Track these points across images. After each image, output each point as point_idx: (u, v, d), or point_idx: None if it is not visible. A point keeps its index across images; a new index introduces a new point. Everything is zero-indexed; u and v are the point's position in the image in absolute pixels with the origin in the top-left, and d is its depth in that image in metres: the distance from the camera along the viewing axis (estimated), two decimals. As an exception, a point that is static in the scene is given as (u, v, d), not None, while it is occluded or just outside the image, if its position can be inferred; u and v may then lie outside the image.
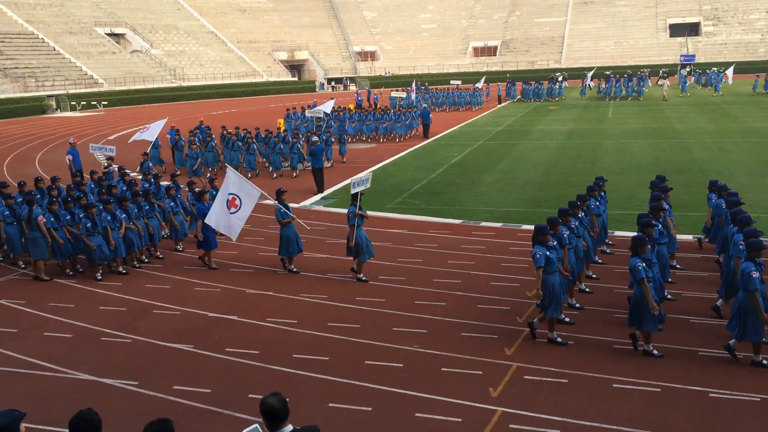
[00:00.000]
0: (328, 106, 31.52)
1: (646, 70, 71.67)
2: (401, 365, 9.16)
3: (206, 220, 13.38)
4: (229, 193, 13.25)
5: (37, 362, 9.65)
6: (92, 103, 60.69)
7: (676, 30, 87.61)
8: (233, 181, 13.33)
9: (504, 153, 28.04)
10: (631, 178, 21.17)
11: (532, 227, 16.22)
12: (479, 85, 54.97)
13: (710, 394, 8.11)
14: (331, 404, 8.18)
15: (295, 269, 13.49)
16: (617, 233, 15.25)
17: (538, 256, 9.50)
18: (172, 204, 15.17)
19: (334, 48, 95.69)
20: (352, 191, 12.71)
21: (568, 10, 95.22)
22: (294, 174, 24.26)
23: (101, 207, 13.84)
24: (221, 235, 13.99)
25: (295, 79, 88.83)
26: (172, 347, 10.05)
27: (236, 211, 13.21)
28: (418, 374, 8.88)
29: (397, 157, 28.19)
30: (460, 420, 7.72)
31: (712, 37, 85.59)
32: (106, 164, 20.62)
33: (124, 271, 13.83)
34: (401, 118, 33.90)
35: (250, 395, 8.38)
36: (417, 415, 7.88)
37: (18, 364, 9.60)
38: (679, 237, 14.75)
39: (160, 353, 9.86)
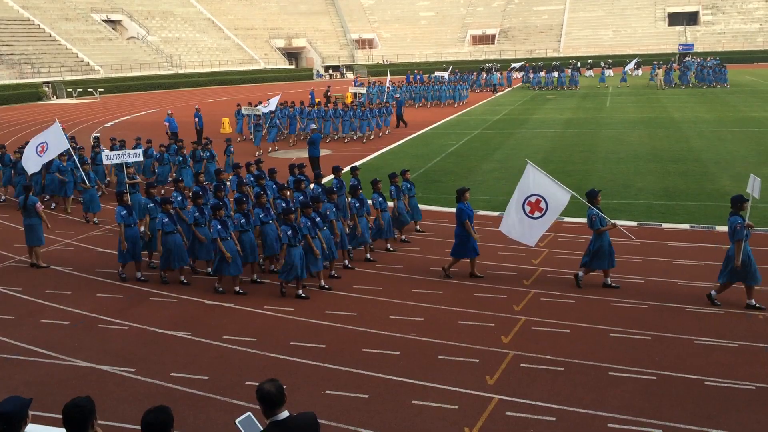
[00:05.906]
0: (272, 103, 29.16)
1: (588, 61, 73.17)
2: (398, 353, 9.20)
3: (500, 228, 11.91)
4: (532, 194, 11.34)
5: (35, 349, 9.66)
6: (88, 90, 60.46)
7: (675, 19, 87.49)
8: (538, 181, 11.33)
9: (501, 142, 28.00)
10: (629, 167, 21.16)
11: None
12: (445, 75, 53.42)
13: (705, 383, 8.15)
14: (327, 391, 8.21)
15: (613, 283, 11.33)
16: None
17: None
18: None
19: (332, 35, 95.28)
20: (755, 193, 10.17)
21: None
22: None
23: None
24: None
25: (293, 66, 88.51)
26: (170, 334, 10.06)
27: (541, 216, 11.32)
28: (415, 362, 8.91)
29: (395, 145, 28.14)
30: (456, 407, 7.76)
31: (711, 26, 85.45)
32: None
33: (327, 286, 11.75)
34: (365, 115, 30.40)
35: (247, 382, 8.40)
36: (414, 402, 7.91)
37: (15, 351, 9.60)
38: (675, 226, 14.84)
39: (157, 340, 9.88)
